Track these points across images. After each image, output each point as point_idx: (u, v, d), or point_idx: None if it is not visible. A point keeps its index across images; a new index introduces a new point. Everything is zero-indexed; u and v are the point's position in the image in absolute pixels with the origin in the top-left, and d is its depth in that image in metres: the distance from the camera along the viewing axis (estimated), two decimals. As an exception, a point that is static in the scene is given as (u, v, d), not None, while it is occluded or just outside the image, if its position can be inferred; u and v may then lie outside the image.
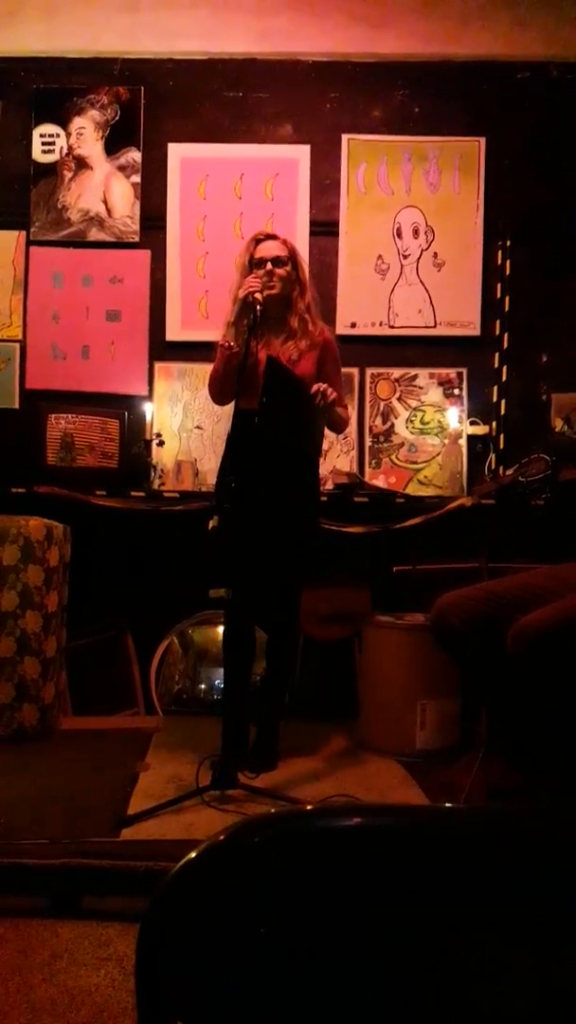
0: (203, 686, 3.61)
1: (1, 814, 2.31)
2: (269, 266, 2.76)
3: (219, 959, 0.60)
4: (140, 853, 2.04)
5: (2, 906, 1.97)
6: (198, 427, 3.76)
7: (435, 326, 3.80)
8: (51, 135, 3.83)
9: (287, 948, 0.60)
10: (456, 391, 3.80)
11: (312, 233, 3.78)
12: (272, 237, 2.87)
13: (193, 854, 0.58)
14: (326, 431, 2.97)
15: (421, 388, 3.81)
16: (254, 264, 2.79)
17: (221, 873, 0.59)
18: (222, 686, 3.21)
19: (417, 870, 0.59)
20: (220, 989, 0.61)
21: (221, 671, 3.27)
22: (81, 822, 2.26)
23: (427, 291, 3.81)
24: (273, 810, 0.63)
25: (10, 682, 3.03)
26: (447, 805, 0.62)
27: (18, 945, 1.82)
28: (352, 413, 3.77)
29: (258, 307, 2.65)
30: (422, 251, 3.81)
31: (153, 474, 3.68)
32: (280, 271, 2.77)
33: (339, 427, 2.99)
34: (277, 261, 2.78)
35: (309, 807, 0.60)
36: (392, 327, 3.81)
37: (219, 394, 2.88)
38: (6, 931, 1.87)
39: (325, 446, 3.74)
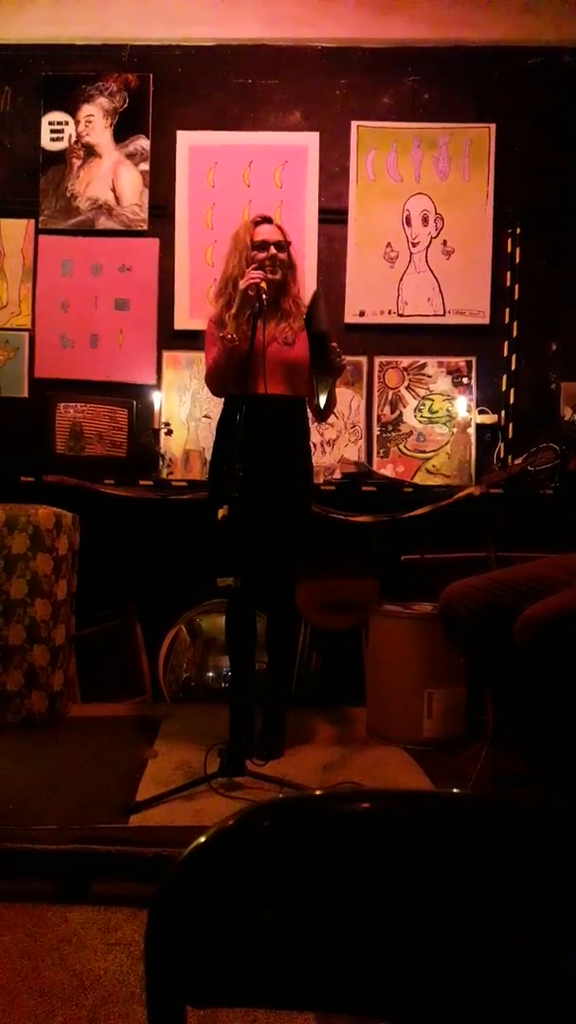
0: (211, 674, 3.62)
1: (9, 800, 2.32)
2: (272, 250, 2.79)
3: (227, 943, 0.60)
4: (148, 839, 2.06)
5: (12, 890, 1.98)
6: (206, 416, 3.75)
7: (444, 314, 3.78)
8: (60, 123, 3.82)
9: (294, 932, 0.60)
10: (465, 380, 3.79)
11: (321, 221, 3.76)
12: (267, 220, 2.89)
13: (202, 838, 0.59)
14: (315, 425, 2.97)
15: (430, 377, 3.80)
16: (256, 246, 2.80)
17: (230, 857, 0.60)
18: (229, 674, 3.21)
19: (424, 855, 0.59)
20: (228, 973, 0.61)
21: (228, 659, 3.28)
22: (90, 808, 2.27)
23: (436, 279, 3.79)
24: (281, 795, 0.63)
25: (19, 670, 3.05)
26: (454, 791, 0.63)
27: (27, 929, 1.83)
28: (360, 402, 3.77)
29: (264, 296, 2.65)
30: (431, 239, 3.79)
31: (161, 463, 3.68)
32: (281, 255, 2.81)
33: (329, 406, 2.87)
34: (280, 245, 2.82)
35: (318, 792, 0.60)
36: (401, 315, 3.79)
37: (220, 387, 2.87)
38: (15, 915, 1.88)
39: (333, 435, 3.75)
